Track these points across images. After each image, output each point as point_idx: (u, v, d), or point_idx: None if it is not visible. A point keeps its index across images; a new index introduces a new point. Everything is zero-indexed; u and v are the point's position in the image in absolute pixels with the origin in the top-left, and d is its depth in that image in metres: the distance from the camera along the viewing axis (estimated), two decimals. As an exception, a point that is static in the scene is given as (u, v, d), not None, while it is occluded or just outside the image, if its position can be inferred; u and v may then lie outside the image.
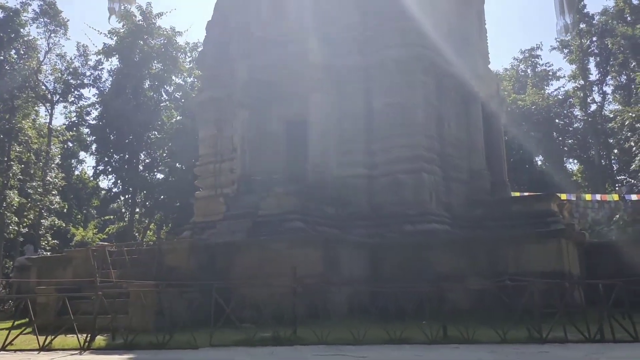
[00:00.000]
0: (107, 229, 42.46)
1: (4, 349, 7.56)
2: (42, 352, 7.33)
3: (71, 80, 35.93)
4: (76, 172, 47.13)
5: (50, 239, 35.44)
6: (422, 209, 15.55)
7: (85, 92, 38.90)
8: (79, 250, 13.11)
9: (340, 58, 17.27)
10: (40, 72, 35.13)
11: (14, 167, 31.58)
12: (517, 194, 26.39)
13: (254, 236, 14.48)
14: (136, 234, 38.84)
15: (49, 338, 7.61)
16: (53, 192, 33.53)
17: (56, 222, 34.80)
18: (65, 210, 40.88)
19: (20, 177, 32.42)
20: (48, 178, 32.99)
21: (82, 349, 7.42)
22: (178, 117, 36.08)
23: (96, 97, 36.62)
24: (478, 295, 11.16)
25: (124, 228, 38.71)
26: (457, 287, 11.45)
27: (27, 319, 13.47)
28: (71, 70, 36.07)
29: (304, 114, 17.61)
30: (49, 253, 33.18)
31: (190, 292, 11.09)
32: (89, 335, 7.77)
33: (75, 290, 12.24)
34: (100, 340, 8.01)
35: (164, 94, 36.80)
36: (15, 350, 7.48)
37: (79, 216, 45.99)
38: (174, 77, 37.19)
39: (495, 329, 8.02)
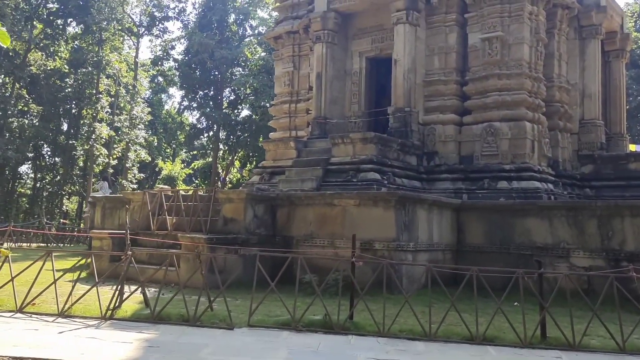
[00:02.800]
0: (192, 165, 43.01)
1: (21, 310, 6.75)
2: (58, 319, 6.43)
3: (156, 13, 35.47)
4: (165, 107, 47.85)
5: (136, 172, 36.21)
6: (522, 164, 13.38)
7: (169, 25, 38.39)
8: (137, 193, 12.36)
9: (432, -16, 14.92)
10: (127, 3, 34.86)
11: (102, 100, 31.99)
12: (633, 147, 23.03)
13: (325, 186, 13.11)
14: (220, 171, 39.00)
15: (69, 302, 6.69)
16: (139, 126, 33.85)
17: (142, 155, 35.37)
18: (155, 144, 41.74)
19: (109, 110, 32.88)
20: (134, 112, 33.22)
21: (103, 318, 6.45)
22: (262, 53, 34.86)
23: (181, 30, 36.13)
24: (585, 275, 9.18)
25: (208, 164, 38.88)
26: (559, 263, 9.51)
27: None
28: (156, 2, 35.53)
29: (387, 49, 15.64)
30: (135, 186, 33.96)
31: (246, 248, 9.97)
32: (116, 297, 6.78)
33: (131, 235, 11.54)
34: (129, 306, 7.04)
35: (248, 28, 35.58)
36: (31, 314, 6.65)
37: (168, 150, 46.91)
38: (258, 11, 35.76)
39: (608, 328, 6.20)
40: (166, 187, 15.21)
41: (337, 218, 10.02)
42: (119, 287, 6.87)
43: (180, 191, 11.68)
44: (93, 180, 32.49)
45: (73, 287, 6.89)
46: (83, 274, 10.60)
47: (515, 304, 7.65)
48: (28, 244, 19.86)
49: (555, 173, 14.07)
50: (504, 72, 13.96)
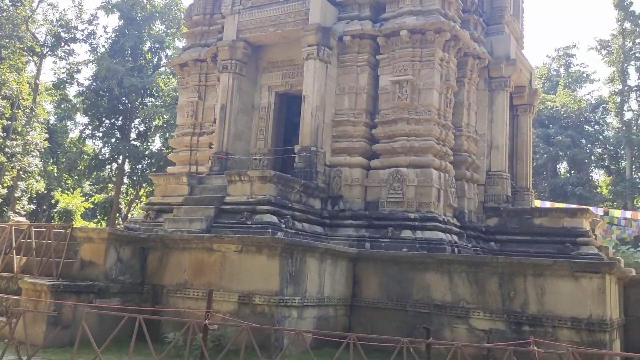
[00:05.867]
0: (92, 198, 40.09)
1: None
2: None
3: (62, 34, 33.24)
4: (71, 135, 44.78)
5: (26, 203, 33.04)
6: (427, 213, 12.72)
7: (76, 47, 36.21)
8: (-17, 227, 10.48)
9: (344, 23, 14.36)
10: (34, 22, 32.50)
11: (-6, 122, 29.17)
12: (538, 203, 23.39)
13: (216, 228, 11.76)
14: (122, 207, 36.49)
15: None
16: (33, 153, 31.00)
17: (34, 185, 32.36)
18: (55, 174, 38.56)
19: (1, 134, 29.97)
20: (29, 137, 30.45)
21: None
22: (176, 84, 33.38)
23: (89, 54, 34.05)
24: (485, 338, 8.34)
25: (110, 199, 36.27)
26: (458, 324, 8.64)
27: None
28: (63, 22, 33.36)
29: (297, 85, 14.78)
30: (24, 218, 30.87)
31: (105, 299, 8.42)
32: None
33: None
34: None
35: (163, 57, 34.11)
36: None
37: (69, 181, 43.61)
38: (176, 41, 34.46)
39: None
40: (23, 220, 13.25)
41: (216, 266, 8.70)
42: None
43: (33, 226, 9.93)
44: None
45: None
46: None
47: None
48: None
49: (460, 224, 13.52)
50: (413, 117, 13.44)
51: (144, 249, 9.27)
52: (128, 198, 36.71)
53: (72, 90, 34.85)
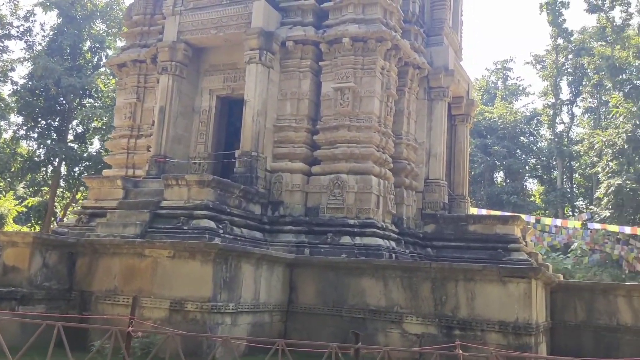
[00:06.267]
0: (26, 202, 38.35)
1: None
2: None
3: (-5, 29, 31.79)
4: (4, 136, 42.71)
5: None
6: (366, 219, 12.86)
7: (11, 44, 34.57)
8: None
9: (287, 28, 14.38)
10: (-37, 16, 30.86)
11: None
12: (475, 210, 24.13)
13: (151, 233, 11.45)
14: (57, 211, 35.05)
15: None
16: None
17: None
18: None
19: None
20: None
21: None
22: (115, 85, 32.44)
23: (24, 52, 32.62)
24: (417, 342, 8.49)
25: (44, 203, 34.76)
26: (392, 329, 8.74)
27: None
28: (-4, 17, 31.89)
29: (239, 89, 14.64)
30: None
31: (29, 307, 8.04)
32: None
33: None
34: None
35: (103, 57, 33.09)
36: None
37: (1, 184, 41.51)
38: (118, 41, 33.51)
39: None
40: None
41: (147, 271, 8.47)
42: None
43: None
44: None
45: None
46: None
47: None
48: None
49: (399, 230, 13.74)
50: (354, 124, 13.58)
51: (73, 254, 8.92)
52: (64, 202, 35.30)
53: (5, 89, 33.29)
